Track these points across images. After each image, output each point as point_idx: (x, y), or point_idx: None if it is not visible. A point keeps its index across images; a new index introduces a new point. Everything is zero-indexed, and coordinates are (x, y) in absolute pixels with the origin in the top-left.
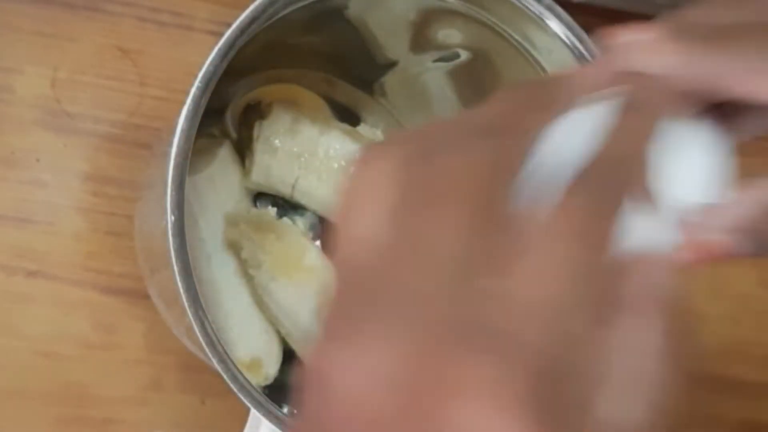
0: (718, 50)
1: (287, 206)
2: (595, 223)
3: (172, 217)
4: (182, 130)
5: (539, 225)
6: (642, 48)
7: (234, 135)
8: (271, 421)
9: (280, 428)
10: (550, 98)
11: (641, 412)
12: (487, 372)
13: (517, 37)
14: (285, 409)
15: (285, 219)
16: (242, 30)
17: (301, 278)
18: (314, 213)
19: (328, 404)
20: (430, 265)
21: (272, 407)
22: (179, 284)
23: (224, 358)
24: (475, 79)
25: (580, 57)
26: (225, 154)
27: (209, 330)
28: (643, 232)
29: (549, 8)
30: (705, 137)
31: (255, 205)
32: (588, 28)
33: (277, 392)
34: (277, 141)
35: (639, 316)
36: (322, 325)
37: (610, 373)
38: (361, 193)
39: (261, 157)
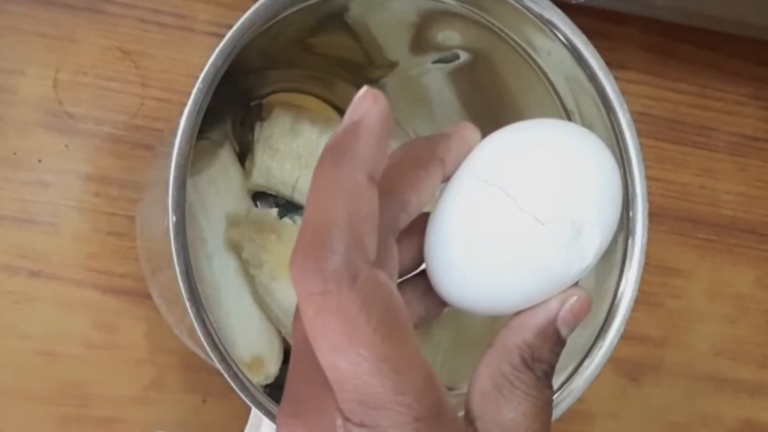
0: None
1: (288, 206)
2: None
3: (174, 218)
4: (183, 131)
5: None
6: None
7: (234, 136)
8: (272, 420)
9: None
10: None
11: None
12: None
13: (516, 38)
14: None
15: (286, 219)
16: (243, 32)
17: None
18: None
19: None
20: None
21: (273, 406)
22: (180, 284)
23: (225, 358)
24: (475, 80)
25: (578, 58)
26: (226, 155)
27: (210, 329)
28: None
29: (548, 10)
30: None
31: (256, 205)
32: (587, 30)
33: (278, 392)
34: (277, 142)
35: None
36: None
37: None
38: None
39: (261, 158)
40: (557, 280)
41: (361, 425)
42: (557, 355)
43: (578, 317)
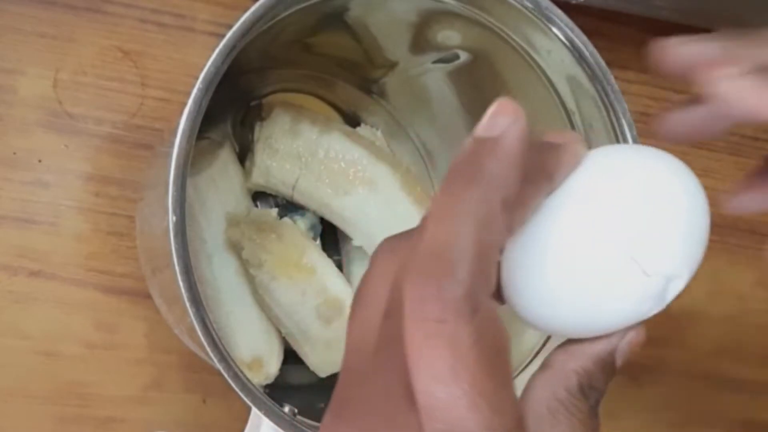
0: None
1: (288, 206)
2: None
3: (174, 218)
4: (184, 131)
5: None
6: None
7: (234, 136)
8: (272, 420)
9: (281, 427)
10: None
11: None
12: None
13: (516, 38)
14: (286, 408)
15: (286, 219)
16: (243, 31)
17: (301, 278)
18: (314, 213)
19: None
20: (389, 388)
21: (273, 406)
22: (180, 284)
23: (225, 358)
24: (475, 80)
25: (578, 58)
26: (226, 155)
27: (210, 329)
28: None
29: (548, 9)
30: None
31: (256, 205)
32: (587, 30)
33: (278, 391)
34: (277, 142)
35: None
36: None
37: None
38: (369, 290)
39: (261, 158)
40: (631, 320)
41: None
42: (607, 384)
43: (635, 350)
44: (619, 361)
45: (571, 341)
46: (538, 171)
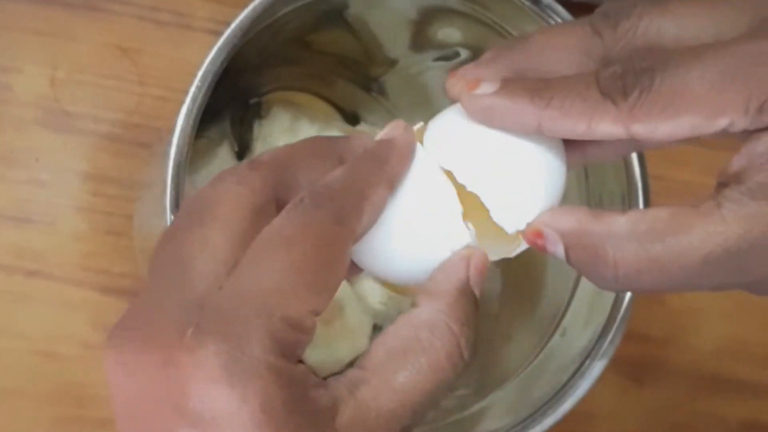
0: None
1: None
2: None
3: (172, 217)
4: (182, 130)
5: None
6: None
7: (233, 135)
8: None
9: None
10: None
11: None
12: (216, 357)
13: (517, 35)
14: None
15: None
16: (242, 29)
17: None
18: None
19: (111, 392)
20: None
21: None
22: None
23: None
24: None
25: None
26: (224, 154)
27: None
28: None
29: (549, 7)
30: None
31: None
32: None
33: None
34: (276, 140)
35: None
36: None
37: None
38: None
39: None
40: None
41: None
42: (476, 317)
43: (483, 274)
44: (476, 291)
45: (427, 284)
46: (379, 181)
